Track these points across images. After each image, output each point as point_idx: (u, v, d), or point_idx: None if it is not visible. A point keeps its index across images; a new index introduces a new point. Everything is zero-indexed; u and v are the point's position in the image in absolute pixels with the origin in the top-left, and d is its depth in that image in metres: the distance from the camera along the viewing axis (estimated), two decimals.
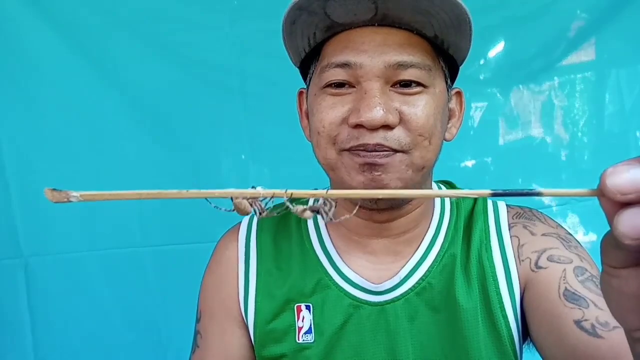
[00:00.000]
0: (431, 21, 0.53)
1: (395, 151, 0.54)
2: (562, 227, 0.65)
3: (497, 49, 1.12)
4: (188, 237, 1.09)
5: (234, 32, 1.08)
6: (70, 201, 0.27)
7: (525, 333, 0.62)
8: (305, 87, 0.65)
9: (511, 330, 0.61)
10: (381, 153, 0.54)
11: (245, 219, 0.69)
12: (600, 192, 0.24)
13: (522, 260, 0.62)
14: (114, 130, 1.08)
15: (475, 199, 0.68)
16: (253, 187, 0.29)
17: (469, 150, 1.14)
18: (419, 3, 0.51)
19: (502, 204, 0.68)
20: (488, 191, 0.29)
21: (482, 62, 1.12)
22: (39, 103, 1.06)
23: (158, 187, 1.02)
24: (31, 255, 1.08)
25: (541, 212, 0.67)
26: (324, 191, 0.30)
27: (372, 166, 0.54)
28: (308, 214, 0.31)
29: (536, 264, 0.60)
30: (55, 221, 1.08)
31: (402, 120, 0.54)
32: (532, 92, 1.14)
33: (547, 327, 0.57)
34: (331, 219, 0.31)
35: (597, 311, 0.54)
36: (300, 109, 0.66)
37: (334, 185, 0.63)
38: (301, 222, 0.67)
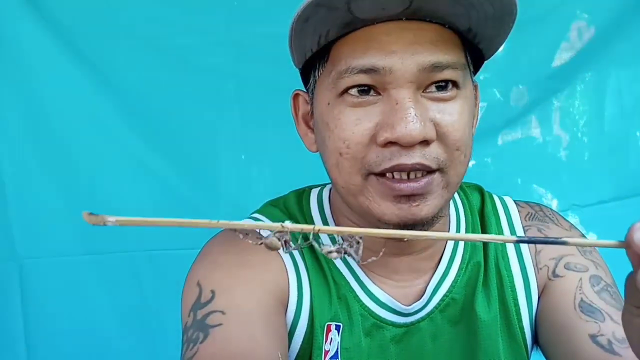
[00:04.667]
0: (470, 13, 0.46)
1: (432, 171, 0.48)
2: (575, 227, 0.63)
3: None
4: (184, 243, 1.07)
5: (230, 37, 1.06)
6: (106, 225, 0.29)
7: (535, 338, 0.60)
8: (302, 89, 0.57)
9: (527, 339, 0.59)
10: (421, 181, 0.47)
11: (249, 220, 0.62)
12: (628, 245, 0.27)
13: (540, 269, 0.59)
14: (110, 134, 1.07)
15: (483, 197, 0.64)
16: (281, 223, 0.30)
17: None
18: None
19: (510, 202, 0.64)
20: (514, 237, 0.31)
21: None
22: (36, 106, 1.04)
23: (155, 191, 1.00)
24: (26, 257, 1.07)
25: (551, 210, 0.64)
26: (350, 229, 0.30)
27: (409, 197, 0.47)
28: (334, 255, 0.31)
29: (554, 272, 0.57)
30: (51, 224, 1.06)
31: (438, 134, 0.47)
32: (532, 92, 1.13)
33: (559, 337, 0.55)
34: (359, 261, 0.31)
35: (614, 325, 0.51)
36: (296, 114, 0.59)
37: (347, 211, 0.56)
38: (320, 235, 0.61)
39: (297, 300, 0.55)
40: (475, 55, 0.53)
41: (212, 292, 0.54)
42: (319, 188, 0.64)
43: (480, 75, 1.12)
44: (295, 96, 0.58)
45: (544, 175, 1.14)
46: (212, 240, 0.60)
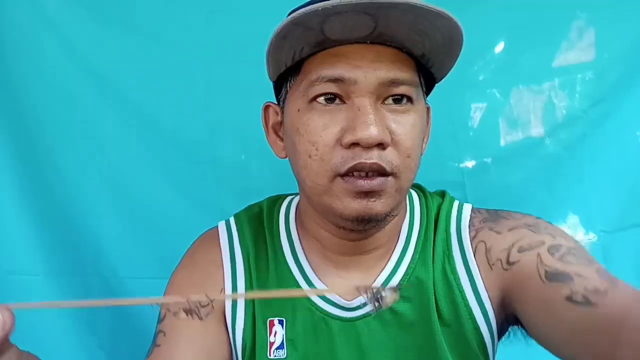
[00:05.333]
0: (424, 41, 0.53)
1: (387, 175, 0.54)
2: (530, 215, 0.64)
3: (497, 49, 1.11)
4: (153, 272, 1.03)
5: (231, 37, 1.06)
6: None
7: (502, 330, 0.63)
8: (273, 101, 0.64)
9: (483, 337, 0.61)
10: (376, 179, 0.54)
11: (222, 224, 0.70)
12: None
13: (493, 264, 0.61)
14: (108, 134, 1.06)
15: (443, 201, 0.68)
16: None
17: (469, 151, 1.13)
18: (418, 24, 0.51)
19: (467, 208, 0.68)
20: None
21: (481, 62, 1.12)
22: (35, 107, 1.04)
23: (153, 192, 0.98)
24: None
25: (508, 211, 0.66)
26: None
27: (367, 193, 0.54)
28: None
29: (507, 261, 0.60)
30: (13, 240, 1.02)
31: (393, 141, 0.54)
32: (532, 92, 1.13)
33: (541, 314, 0.56)
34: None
35: (582, 280, 0.53)
36: (267, 125, 0.65)
37: (310, 211, 0.63)
38: (274, 232, 0.67)
39: (232, 306, 0.63)
40: (428, 78, 0.61)
41: (166, 311, 0.62)
42: (293, 196, 0.72)
43: (480, 76, 1.14)
44: (266, 108, 0.65)
45: (544, 175, 1.14)
46: (188, 249, 0.69)
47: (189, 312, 0.33)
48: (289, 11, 0.54)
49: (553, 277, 0.55)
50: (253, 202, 0.75)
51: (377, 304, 0.35)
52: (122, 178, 1.06)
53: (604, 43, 1.11)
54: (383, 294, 0.35)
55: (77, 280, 1.05)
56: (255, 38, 1.07)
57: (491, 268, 0.61)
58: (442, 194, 0.71)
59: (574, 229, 1.13)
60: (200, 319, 0.38)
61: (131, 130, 1.06)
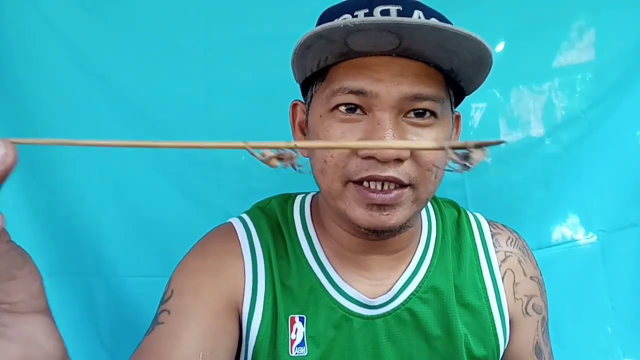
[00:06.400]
0: (452, 58, 0.52)
1: (404, 185, 0.54)
2: (538, 266, 0.73)
3: (497, 49, 1.11)
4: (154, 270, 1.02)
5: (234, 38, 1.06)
6: None
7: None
8: (300, 100, 0.64)
9: (499, 346, 0.66)
10: (392, 193, 0.53)
11: (236, 220, 0.67)
12: None
13: (517, 299, 0.68)
14: (109, 134, 1.04)
15: (458, 211, 0.71)
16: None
17: None
18: (445, 43, 0.50)
19: (481, 218, 0.72)
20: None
21: None
22: (34, 107, 1.03)
23: (154, 192, 0.97)
24: None
25: (525, 241, 0.73)
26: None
27: (380, 206, 0.53)
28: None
29: (525, 309, 0.68)
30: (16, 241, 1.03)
31: (412, 154, 0.54)
32: (532, 92, 1.13)
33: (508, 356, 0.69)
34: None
35: None
36: (293, 122, 0.65)
37: (330, 211, 0.63)
38: (291, 231, 0.66)
39: (251, 299, 0.61)
40: (457, 89, 0.59)
41: (172, 291, 0.61)
42: (303, 195, 0.72)
43: None
44: (294, 106, 0.65)
45: (544, 175, 1.14)
46: (199, 240, 0.67)
47: (280, 158, 0.32)
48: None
49: (537, 351, 0.68)
50: (255, 202, 0.74)
51: (465, 163, 0.33)
52: (123, 178, 1.06)
53: (604, 43, 1.11)
54: (471, 154, 0.33)
55: (78, 279, 1.05)
56: (256, 40, 1.09)
57: (515, 300, 0.67)
58: (453, 203, 0.73)
59: (573, 229, 1.14)
60: (295, 168, 0.35)
61: (132, 130, 1.06)
